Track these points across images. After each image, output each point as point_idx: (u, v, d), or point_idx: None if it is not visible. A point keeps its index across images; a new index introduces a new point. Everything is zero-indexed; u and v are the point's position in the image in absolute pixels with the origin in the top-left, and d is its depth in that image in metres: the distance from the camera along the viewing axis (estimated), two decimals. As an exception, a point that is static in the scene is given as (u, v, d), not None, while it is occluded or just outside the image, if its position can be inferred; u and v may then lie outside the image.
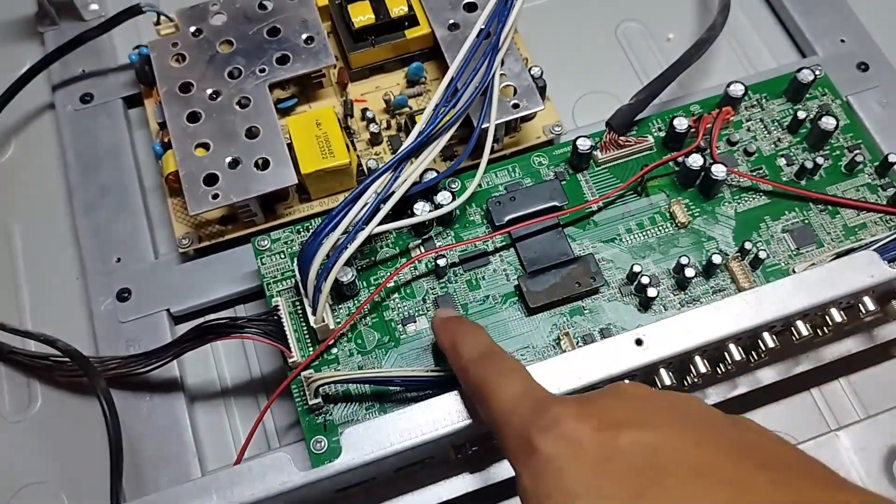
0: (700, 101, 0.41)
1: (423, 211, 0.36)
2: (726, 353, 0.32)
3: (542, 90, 0.40)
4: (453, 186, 0.38)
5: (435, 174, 0.37)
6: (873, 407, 0.37)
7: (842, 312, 0.33)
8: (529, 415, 0.25)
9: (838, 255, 0.35)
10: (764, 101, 0.41)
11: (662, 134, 0.40)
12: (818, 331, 0.33)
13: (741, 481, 0.21)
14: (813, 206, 0.38)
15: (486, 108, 0.37)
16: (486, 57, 0.37)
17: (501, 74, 0.39)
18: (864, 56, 0.44)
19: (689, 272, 0.35)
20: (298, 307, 0.35)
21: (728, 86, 0.39)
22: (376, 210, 0.34)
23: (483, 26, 0.38)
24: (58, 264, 0.41)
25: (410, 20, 0.42)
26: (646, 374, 0.32)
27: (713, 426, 0.24)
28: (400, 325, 0.35)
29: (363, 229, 0.34)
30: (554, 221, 0.37)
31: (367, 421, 0.30)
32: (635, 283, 0.35)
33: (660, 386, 0.31)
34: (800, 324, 0.33)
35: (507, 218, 0.36)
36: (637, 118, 0.40)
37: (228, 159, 0.38)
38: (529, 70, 0.40)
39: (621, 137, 0.39)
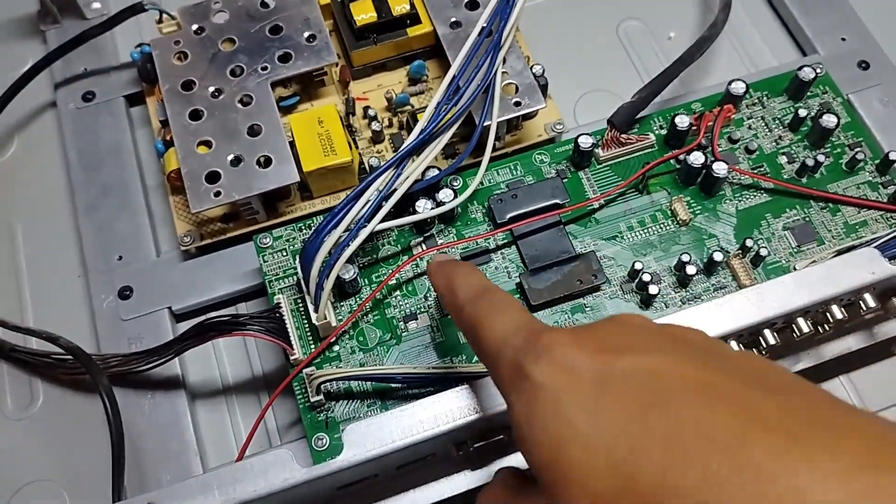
0: (701, 99, 0.41)
1: (424, 208, 0.36)
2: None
3: (543, 88, 0.40)
4: (455, 184, 0.38)
5: (437, 172, 0.37)
6: (874, 404, 0.37)
7: (843, 309, 0.33)
8: (522, 344, 0.23)
9: (839, 253, 0.35)
10: (765, 99, 0.41)
11: (664, 132, 0.40)
12: (819, 328, 0.33)
13: (748, 404, 0.20)
14: (814, 204, 0.38)
15: (488, 106, 0.37)
16: (488, 55, 0.37)
17: (503, 72, 0.39)
18: (864, 54, 0.44)
19: (691, 269, 0.35)
20: (300, 304, 0.35)
21: (729, 84, 0.39)
22: (378, 208, 0.34)
23: (485, 24, 0.38)
24: (60, 262, 0.41)
25: (412, 18, 0.42)
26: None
27: (718, 354, 0.22)
28: (402, 323, 0.35)
29: (365, 227, 0.34)
30: (555, 219, 0.37)
31: (369, 418, 0.30)
32: (637, 280, 0.35)
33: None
34: (801, 321, 0.33)
35: (508, 215, 0.36)
36: (638, 116, 0.40)
37: (230, 157, 0.38)
38: (531, 68, 0.40)
39: (623, 135, 0.39)
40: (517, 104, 0.39)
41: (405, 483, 0.33)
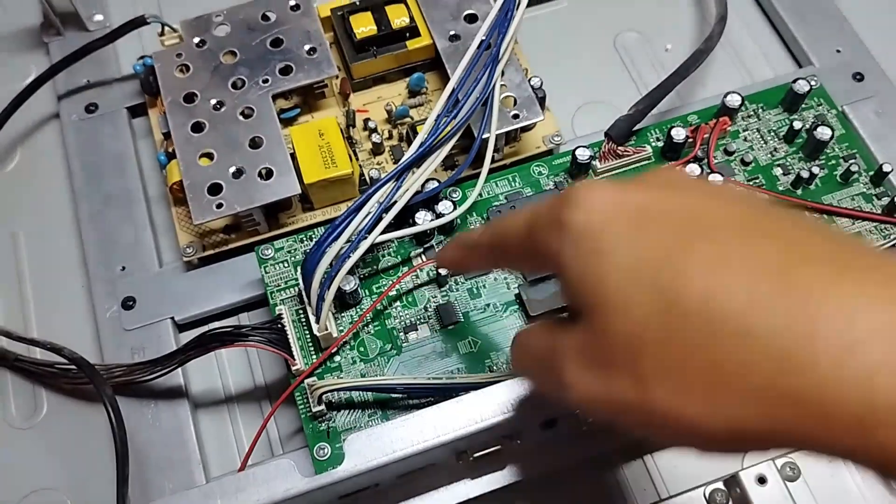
0: (697, 112, 0.41)
1: (424, 220, 0.37)
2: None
3: (541, 100, 0.40)
4: (454, 196, 0.38)
5: (436, 184, 0.37)
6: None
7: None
8: (556, 202, 0.23)
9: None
10: (760, 111, 0.41)
11: (660, 144, 0.40)
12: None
13: (795, 238, 0.20)
14: (808, 216, 0.38)
15: (487, 119, 0.38)
16: (487, 68, 0.38)
17: (502, 85, 0.39)
18: (859, 66, 0.45)
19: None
20: (302, 315, 0.35)
21: (725, 96, 0.40)
22: (378, 219, 0.35)
23: (484, 38, 0.39)
24: (63, 273, 0.41)
25: (412, 31, 0.43)
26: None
27: (755, 197, 0.23)
28: (402, 334, 0.36)
29: (366, 238, 0.34)
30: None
31: (370, 428, 0.31)
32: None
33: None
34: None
35: (507, 227, 0.37)
36: (635, 128, 0.40)
37: (232, 169, 0.38)
38: (529, 81, 0.40)
39: (620, 147, 0.39)
40: (516, 116, 0.39)
41: (406, 492, 0.33)
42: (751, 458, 0.36)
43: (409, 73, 0.43)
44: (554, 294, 0.36)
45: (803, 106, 0.41)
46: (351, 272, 0.34)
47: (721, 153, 0.40)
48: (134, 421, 0.36)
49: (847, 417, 0.18)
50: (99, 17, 0.47)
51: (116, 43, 0.44)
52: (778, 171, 0.40)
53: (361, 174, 0.41)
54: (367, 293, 0.36)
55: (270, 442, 0.37)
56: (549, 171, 0.40)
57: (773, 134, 0.41)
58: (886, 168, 0.39)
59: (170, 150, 0.41)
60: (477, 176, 0.37)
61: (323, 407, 0.33)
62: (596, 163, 0.39)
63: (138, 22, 0.43)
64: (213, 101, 0.40)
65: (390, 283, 0.36)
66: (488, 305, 0.36)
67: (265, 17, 0.43)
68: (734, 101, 0.40)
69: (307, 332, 0.35)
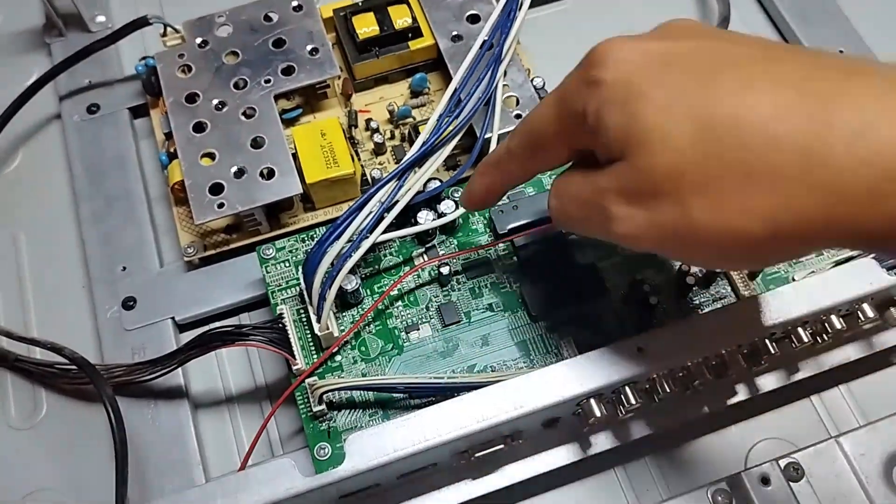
0: (700, 112, 0.41)
1: (426, 220, 0.36)
2: (727, 361, 0.32)
3: (543, 101, 0.40)
4: (456, 195, 0.38)
5: (438, 183, 0.37)
6: (873, 414, 0.37)
7: (841, 320, 0.33)
8: (580, 69, 0.24)
9: (837, 264, 0.36)
10: (763, 111, 0.41)
11: (663, 144, 0.40)
12: (818, 338, 0.33)
13: (803, 59, 0.22)
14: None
15: (489, 119, 0.38)
16: (489, 68, 0.38)
17: (504, 85, 0.39)
18: (862, 67, 0.45)
19: (690, 280, 0.35)
20: (303, 315, 0.35)
21: (727, 96, 0.40)
22: (380, 219, 0.34)
23: (486, 38, 0.39)
24: (64, 273, 0.41)
25: (414, 32, 0.43)
26: (647, 382, 0.32)
27: (767, 39, 0.24)
28: (403, 333, 0.35)
29: (367, 238, 0.34)
30: (556, 230, 0.37)
31: (371, 428, 0.30)
32: (636, 291, 0.36)
33: (661, 394, 0.32)
34: (800, 331, 0.33)
35: (509, 226, 0.37)
36: (638, 128, 0.40)
37: (234, 169, 0.38)
38: (532, 81, 0.40)
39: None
40: (518, 116, 0.39)
41: (407, 492, 0.33)
42: (754, 459, 0.35)
43: (411, 73, 0.43)
44: (555, 294, 0.36)
45: (806, 106, 0.41)
46: (352, 271, 0.34)
47: (724, 153, 0.40)
48: (134, 421, 0.36)
49: (861, 193, 0.20)
50: (101, 18, 0.47)
51: (118, 44, 0.44)
52: (781, 171, 0.39)
53: (363, 174, 0.41)
54: (369, 293, 0.36)
55: (271, 442, 0.37)
56: (552, 170, 0.39)
57: (775, 134, 0.40)
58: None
59: (171, 150, 0.41)
60: (479, 175, 0.37)
61: (324, 407, 0.33)
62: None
63: (140, 23, 0.43)
64: (215, 102, 0.40)
65: (392, 282, 0.36)
66: (490, 305, 0.36)
67: (267, 18, 0.43)
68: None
69: (308, 331, 0.35)
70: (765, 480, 0.33)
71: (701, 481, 0.34)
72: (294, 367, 0.34)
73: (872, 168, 0.20)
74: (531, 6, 0.40)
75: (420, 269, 0.37)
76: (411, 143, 0.39)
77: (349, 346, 0.35)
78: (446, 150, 0.37)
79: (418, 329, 0.35)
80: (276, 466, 0.30)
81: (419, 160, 0.36)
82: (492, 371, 0.34)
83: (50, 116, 0.46)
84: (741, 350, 0.33)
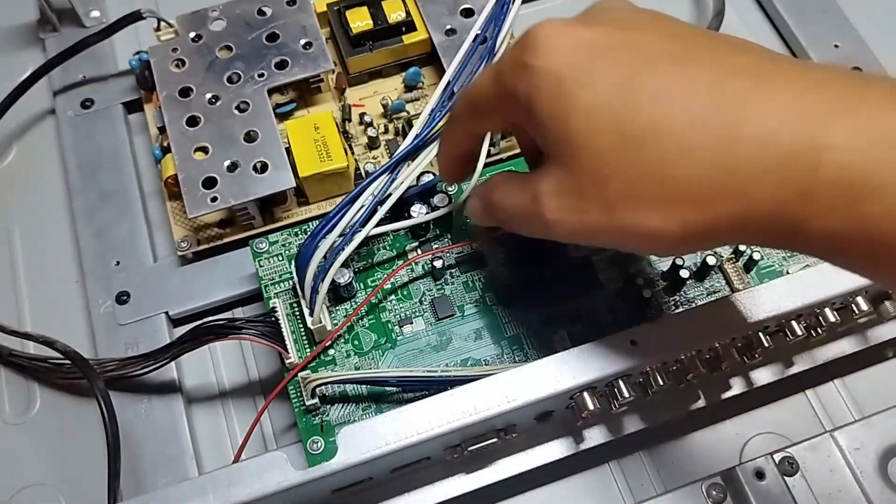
0: (695, 106, 0.41)
1: (419, 213, 0.36)
2: (721, 354, 0.32)
3: (538, 94, 0.40)
4: (450, 189, 0.38)
5: (431, 177, 0.37)
6: (868, 408, 0.37)
7: (836, 313, 0.33)
8: (516, 49, 0.26)
9: (832, 257, 0.35)
10: (758, 105, 0.41)
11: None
12: (812, 331, 0.33)
13: (720, 60, 0.24)
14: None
15: (483, 112, 0.37)
16: (483, 61, 0.38)
17: (498, 79, 0.39)
18: (858, 61, 0.45)
19: (684, 274, 0.35)
20: (296, 309, 0.35)
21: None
22: (373, 212, 0.34)
23: (479, 31, 0.39)
24: (57, 267, 0.41)
25: (408, 26, 0.42)
26: (641, 375, 0.32)
27: (686, 26, 0.26)
28: (397, 327, 0.35)
29: (360, 231, 0.34)
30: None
31: (364, 421, 0.30)
32: (630, 284, 0.36)
33: (654, 387, 0.32)
34: (794, 324, 0.33)
35: (503, 220, 0.37)
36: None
37: (227, 163, 0.38)
38: (525, 74, 0.40)
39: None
40: (512, 110, 0.39)
41: (400, 486, 0.33)
42: (749, 454, 0.35)
43: (405, 67, 0.43)
44: (549, 287, 0.35)
45: (801, 100, 0.41)
46: (345, 265, 0.34)
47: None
48: (127, 415, 0.36)
49: (766, 199, 0.22)
50: (95, 13, 0.47)
51: (112, 38, 0.44)
52: (776, 165, 0.39)
53: (357, 168, 0.41)
54: (362, 286, 0.36)
55: (264, 437, 0.36)
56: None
57: (770, 128, 0.40)
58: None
59: (165, 144, 0.40)
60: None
61: (316, 400, 0.33)
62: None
63: (134, 17, 0.43)
64: (209, 96, 0.40)
65: (385, 275, 0.36)
66: (484, 298, 0.36)
67: (261, 12, 0.43)
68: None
69: (301, 325, 0.35)
70: (759, 475, 0.33)
71: (695, 475, 0.34)
72: (287, 361, 0.34)
73: (774, 176, 0.22)
74: (524, 1, 0.40)
75: (413, 263, 0.36)
76: (405, 137, 0.39)
77: (342, 340, 0.35)
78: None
79: (412, 323, 0.35)
80: (269, 460, 0.30)
81: (412, 153, 0.36)
82: (485, 364, 0.34)
83: (44, 111, 0.46)
84: (735, 343, 0.33)
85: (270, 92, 0.41)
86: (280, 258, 0.37)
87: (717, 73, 0.23)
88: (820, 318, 0.33)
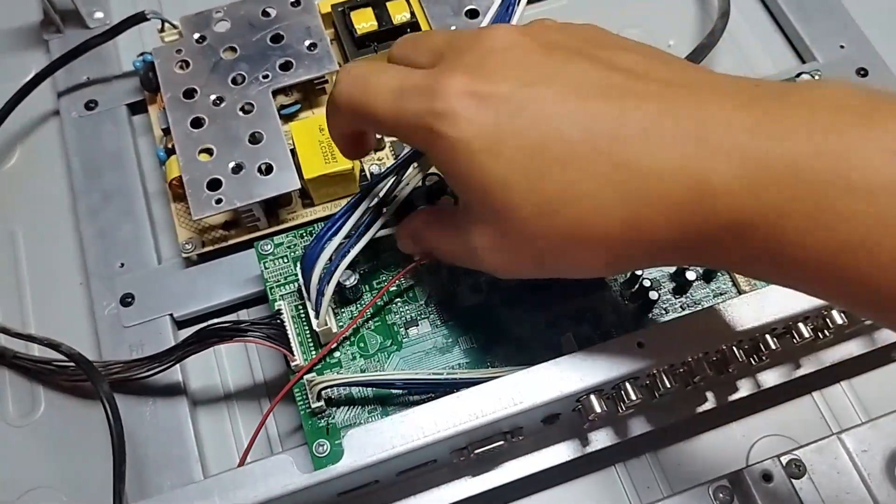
0: (700, 107, 0.41)
1: (425, 215, 0.36)
2: (728, 356, 0.32)
3: (543, 95, 0.40)
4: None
5: (437, 178, 0.37)
6: (875, 410, 0.37)
7: (843, 315, 0.33)
8: (421, 105, 0.27)
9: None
10: (764, 106, 0.41)
11: (663, 139, 0.40)
12: (819, 333, 0.33)
13: (618, 115, 0.25)
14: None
15: (488, 113, 0.37)
16: (488, 62, 0.37)
17: (503, 80, 0.39)
18: (863, 62, 0.44)
19: (690, 275, 0.35)
20: (301, 311, 0.35)
21: (728, 91, 0.39)
22: (379, 214, 0.34)
23: (484, 32, 0.38)
24: (61, 269, 0.41)
25: (413, 27, 0.42)
26: (647, 377, 0.32)
27: (598, 66, 0.27)
28: (402, 329, 0.35)
29: (365, 233, 0.34)
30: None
31: (369, 424, 0.30)
32: (636, 286, 0.35)
33: (661, 389, 0.32)
34: (801, 326, 0.33)
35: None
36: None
37: (232, 164, 0.38)
38: (531, 76, 0.40)
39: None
40: (517, 111, 0.39)
41: (406, 489, 0.33)
42: (756, 456, 0.35)
43: (409, 68, 0.43)
44: (554, 288, 0.35)
45: (807, 101, 0.41)
46: (351, 267, 0.34)
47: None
48: (132, 418, 0.36)
49: (639, 255, 0.26)
50: (99, 15, 0.47)
51: (116, 40, 0.44)
52: (782, 166, 0.39)
53: (362, 170, 0.40)
54: (368, 288, 0.36)
55: (269, 439, 0.36)
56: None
57: (776, 129, 0.40)
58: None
59: (169, 145, 0.40)
60: (478, 171, 0.37)
61: (322, 403, 0.33)
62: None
63: (138, 18, 0.43)
64: (213, 97, 0.40)
65: (391, 278, 0.36)
66: (490, 299, 0.36)
67: (265, 13, 0.43)
68: (737, 95, 0.39)
69: (307, 327, 0.35)
70: (767, 477, 0.33)
71: (702, 478, 0.34)
72: (292, 364, 0.33)
73: (677, 220, 0.24)
74: (529, 1, 0.40)
75: (419, 266, 0.36)
76: (410, 138, 0.38)
77: (348, 343, 0.35)
78: (445, 146, 0.36)
79: (417, 325, 0.35)
80: (275, 463, 0.30)
81: (417, 155, 0.36)
82: (491, 367, 0.34)
83: (48, 113, 0.46)
84: (742, 345, 0.32)
85: (275, 93, 0.41)
86: (285, 260, 0.37)
87: (614, 129, 0.25)
88: (827, 319, 0.33)
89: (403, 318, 0.35)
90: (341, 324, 0.35)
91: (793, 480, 0.33)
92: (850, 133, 0.21)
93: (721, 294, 0.36)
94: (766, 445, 0.36)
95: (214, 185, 0.38)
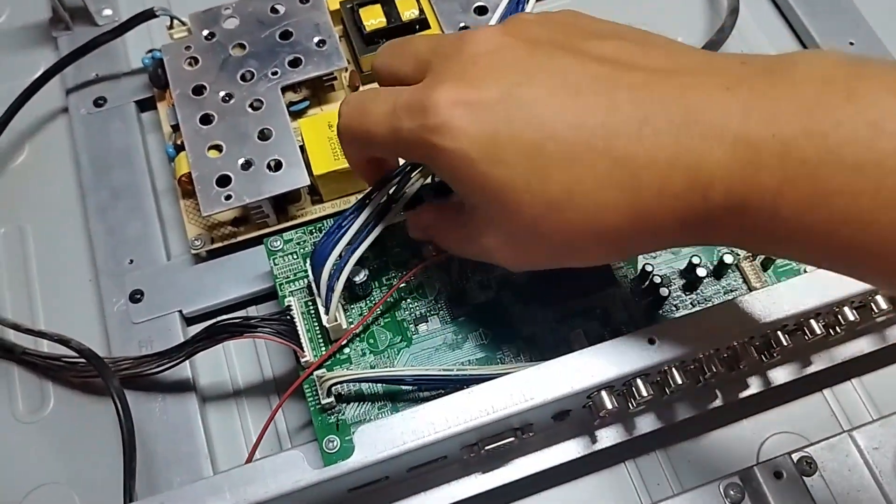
0: (710, 103, 0.41)
1: (434, 211, 0.36)
2: (739, 353, 0.32)
3: (552, 92, 0.40)
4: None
5: (446, 175, 0.37)
6: (886, 408, 0.36)
7: (855, 311, 0.33)
8: (416, 124, 0.27)
9: (850, 255, 0.35)
10: (774, 102, 0.41)
11: (673, 135, 0.40)
12: (831, 330, 0.33)
13: (611, 109, 0.25)
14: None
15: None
16: (497, 59, 0.37)
17: (512, 76, 0.39)
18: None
19: (701, 272, 0.35)
20: (311, 307, 0.35)
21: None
22: (388, 210, 0.34)
23: (494, 28, 0.38)
24: (71, 266, 0.41)
25: (421, 23, 0.42)
26: (658, 374, 0.32)
27: (584, 61, 0.27)
28: (412, 325, 0.35)
29: (375, 229, 0.34)
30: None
31: (380, 420, 0.30)
32: (647, 282, 0.35)
33: (672, 386, 0.31)
34: (813, 323, 0.32)
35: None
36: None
37: (241, 161, 0.38)
38: (540, 72, 0.40)
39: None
40: (526, 108, 0.39)
41: (416, 485, 0.33)
42: (766, 453, 0.35)
43: (418, 65, 0.43)
44: (564, 284, 0.35)
45: (818, 97, 0.41)
46: (360, 263, 0.34)
47: (734, 145, 0.40)
48: (141, 414, 0.36)
49: (673, 228, 0.25)
50: (108, 12, 0.47)
51: (125, 36, 0.44)
52: (792, 163, 0.39)
53: (371, 166, 0.40)
54: (377, 284, 0.36)
55: (279, 435, 0.36)
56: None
57: (787, 125, 0.40)
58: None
59: (178, 142, 0.40)
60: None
61: (332, 399, 0.33)
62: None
63: (147, 15, 0.43)
64: (222, 94, 0.40)
65: (401, 274, 0.36)
66: (499, 295, 0.36)
67: (274, 10, 0.43)
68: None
69: (316, 324, 0.35)
70: (777, 474, 0.33)
71: (713, 475, 0.33)
72: (302, 360, 0.33)
73: (678, 213, 0.25)
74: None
75: (430, 262, 0.36)
76: (419, 134, 0.38)
77: (358, 339, 0.35)
78: (455, 142, 0.36)
79: (427, 321, 0.35)
80: (285, 459, 0.30)
81: (427, 151, 0.36)
82: (501, 363, 0.34)
83: (57, 110, 0.46)
84: (753, 342, 0.32)
85: (284, 90, 0.41)
86: (295, 256, 0.37)
87: (607, 123, 0.25)
88: (839, 316, 0.33)
89: (413, 315, 0.35)
90: (351, 320, 0.35)
91: (804, 478, 0.33)
92: (836, 109, 0.22)
93: (731, 291, 0.36)
94: (777, 443, 0.36)
95: (224, 181, 0.38)
